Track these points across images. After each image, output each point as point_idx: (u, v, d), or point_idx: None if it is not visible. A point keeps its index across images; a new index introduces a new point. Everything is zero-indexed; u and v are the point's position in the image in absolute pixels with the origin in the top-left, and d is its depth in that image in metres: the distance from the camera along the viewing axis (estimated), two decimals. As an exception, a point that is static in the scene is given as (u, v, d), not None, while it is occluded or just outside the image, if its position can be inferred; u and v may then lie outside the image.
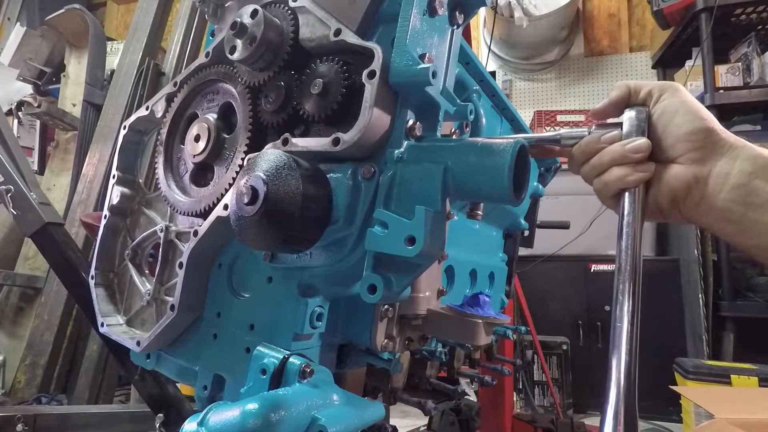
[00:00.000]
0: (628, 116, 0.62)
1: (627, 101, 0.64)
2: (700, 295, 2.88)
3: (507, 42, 4.32)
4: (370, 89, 0.58)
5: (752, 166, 0.56)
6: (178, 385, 1.47)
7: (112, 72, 3.05)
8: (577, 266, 3.27)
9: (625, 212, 0.59)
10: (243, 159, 0.71)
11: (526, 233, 1.32)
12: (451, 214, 0.67)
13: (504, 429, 1.90)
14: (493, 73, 4.52)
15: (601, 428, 0.50)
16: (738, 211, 0.56)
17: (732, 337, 2.83)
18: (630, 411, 0.50)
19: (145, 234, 0.90)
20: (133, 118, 0.94)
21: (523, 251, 1.34)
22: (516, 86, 4.60)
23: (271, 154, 0.58)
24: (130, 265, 0.91)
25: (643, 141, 0.59)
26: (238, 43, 0.70)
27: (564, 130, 0.66)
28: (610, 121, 0.65)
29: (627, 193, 0.60)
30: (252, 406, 0.50)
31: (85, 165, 2.76)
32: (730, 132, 0.60)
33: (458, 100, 0.67)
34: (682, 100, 0.60)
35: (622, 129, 0.61)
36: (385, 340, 0.73)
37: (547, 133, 0.68)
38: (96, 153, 2.76)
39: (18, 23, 4.39)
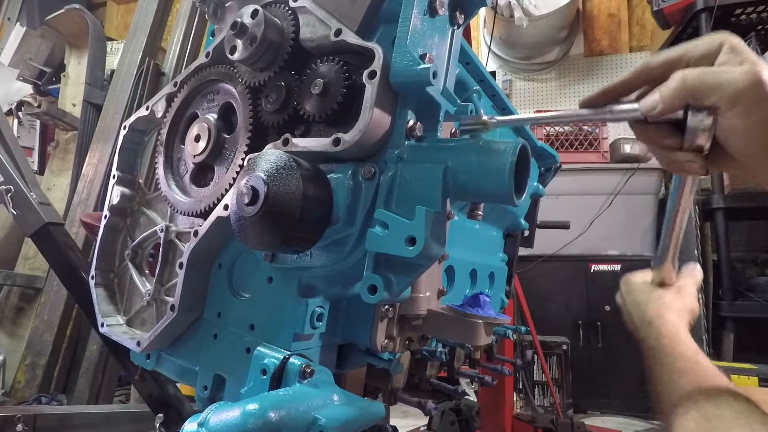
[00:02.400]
0: (692, 124, 0.54)
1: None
2: (700, 295, 2.87)
3: (507, 42, 4.32)
4: (370, 89, 0.58)
5: None
6: (178, 385, 1.47)
7: (112, 72, 3.05)
8: (577, 266, 3.26)
9: (675, 189, 0.74)
10: (243, 159, 0.71)
11: (526, 233, 1.32)
12: (452, 214, 0.67)
13: (504, 429, 1.90)
14: (493, 73, 4.52)
15: None
16: None
17: (732, 337, 2.83)
18: None
19: (145, 234, 0.90)
20: (133, 118, 0.94)
21: (523, 251, 1.34)
22: (516, 86, 4.60)
23: (272, 155, 0.58)
24: (131, 265, 0.91)
25: (697, 167, 0.57)
26: (239, 43, 0.70)
27: (615, 106, 0.59)
28: (666, 118, 0.56)
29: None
30: (252, 406, 0.50)
31: (85, 165, 2.76)
32: None
33: (458, 100, 0.67)
34: (748, 123, 0.52)
35: (685, 125, 0.55)
36: (386, 341, 0.73)
37: (598, 109, 0.60)
38: (96, 153, 2.76)
39: (18, 23, 4.40)
